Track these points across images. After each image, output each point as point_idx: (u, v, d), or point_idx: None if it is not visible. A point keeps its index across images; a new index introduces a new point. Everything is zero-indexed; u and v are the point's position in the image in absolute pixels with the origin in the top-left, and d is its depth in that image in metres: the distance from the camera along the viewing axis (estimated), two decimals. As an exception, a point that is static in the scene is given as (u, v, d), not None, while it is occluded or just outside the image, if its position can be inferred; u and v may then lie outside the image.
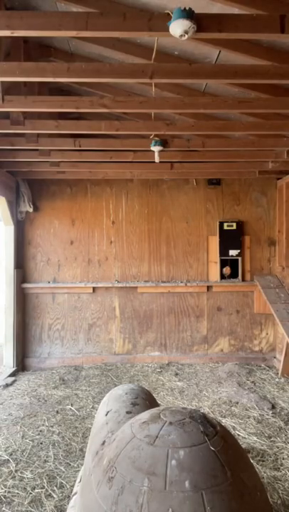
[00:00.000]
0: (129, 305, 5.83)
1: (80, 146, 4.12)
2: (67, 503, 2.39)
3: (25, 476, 3.01)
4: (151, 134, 3.92)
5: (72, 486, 2.78)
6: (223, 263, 5.78)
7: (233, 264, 5.80)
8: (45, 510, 2.64)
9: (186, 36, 2.10)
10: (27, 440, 3.53)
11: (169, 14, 2.09)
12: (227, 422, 3.80)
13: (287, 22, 2.10)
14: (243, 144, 4.33)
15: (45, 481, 2.94)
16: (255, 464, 3.07)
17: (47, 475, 3.02)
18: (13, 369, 5.42)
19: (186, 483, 1.39)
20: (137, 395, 2.35)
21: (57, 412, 4.11)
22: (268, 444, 3.43)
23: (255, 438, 3.52)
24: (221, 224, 5.76)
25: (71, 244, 5.83)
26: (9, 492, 2.82)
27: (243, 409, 4.12)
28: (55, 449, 3.41)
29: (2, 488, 2.85)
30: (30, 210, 5.58)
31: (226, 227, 5.75)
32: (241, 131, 3.89)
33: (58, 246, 5.83)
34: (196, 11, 2.05)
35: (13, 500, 2.72)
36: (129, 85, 3.91)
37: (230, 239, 5.74)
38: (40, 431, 3.72)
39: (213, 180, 5.80)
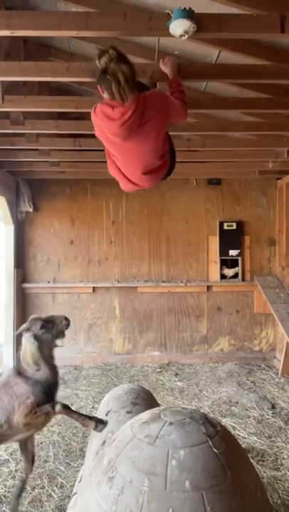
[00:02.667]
0: (129, 305, 5.83)
1: (80, 146, 4.11)
2: (68, 503, 2.39)
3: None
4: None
5: (73, 485, 2.78)
6: (223, 263, 5.79)
7: (233, 264, 5.80)
8: (45, 510, 2.64)
9: (186, 36, 2.09)
10: (27, 440, 3.53)
11: (169, 14, 2.09)
12: (227, 422, 3.80)
13: (287, 22, 2.09)
14: (243, 143, 4.33)
15: (45, 480, 2.94)
16: (255, 463, 3.07)
17: (47, 475, 3.03)
18: (13, 369, 5.41)
19: (187, 483, 1.39)
20: (137, 395, 2.35)
21: (57, 412, 4.11)
22: (268, 444, 3.43)
23: (255, 438, 3.52)
24: (221, 224, 5.76)
25: (71, 244, 5.83)
26: (9, 492, 2.82)
27: (243, 409, 4.13)
28: (55, 448, 3.41)
29: (2, 488, 2.85)
30: (30, 210, 5.57)
31: (226, 227, 5.75)
32: (241, 131, 3.88)
33: (58, 246, 5.82)
34: (196, 11, 2.04)
35: (13, 500, 2.72)
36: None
37: (230, 239, 5.74)
38: (40, 430, 3.71)
39: (213, 180, 5.79)
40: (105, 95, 2.13)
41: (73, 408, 2.34)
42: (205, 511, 1.36)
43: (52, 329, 2.31)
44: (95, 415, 2.29)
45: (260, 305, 5.74)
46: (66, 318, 2.37)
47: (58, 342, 2.38)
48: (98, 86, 2.13)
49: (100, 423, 2.14)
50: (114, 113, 2.12)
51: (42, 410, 2.20)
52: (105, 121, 2.18)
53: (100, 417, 2.21)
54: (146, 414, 1.71)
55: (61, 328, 2.35)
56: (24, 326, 2.31)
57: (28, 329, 2.27)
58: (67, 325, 2.37)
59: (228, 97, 3.43)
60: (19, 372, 2.28)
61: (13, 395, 2.21)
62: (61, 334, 2.37)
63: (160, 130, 2.27)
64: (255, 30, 2.15)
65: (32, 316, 2.37)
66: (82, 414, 2.25)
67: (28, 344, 2.20)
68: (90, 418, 2.20)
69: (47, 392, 2.25)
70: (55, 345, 2.37)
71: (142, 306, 5.83)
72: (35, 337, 2.23)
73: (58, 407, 2.21)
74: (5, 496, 2.77)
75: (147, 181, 2.47)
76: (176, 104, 2.33)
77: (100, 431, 2.10)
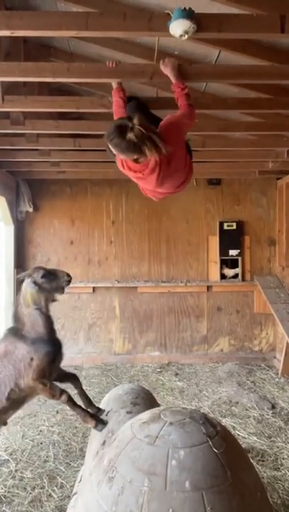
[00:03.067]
0: (129, 305, 5.83)
1: (80, 146, 4.11)
2: (68, 503, 2.39)
3: (25, 476, 3.01)
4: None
5: (73, 485, 2.78)
6: (223, 263, 5.79)
7: (233, 263, 5.80)
8: (45, 510, 2.64)
9: (186, 36, 2.09)
10: (27, 440, 3.53)
11: (169, 14, 2.09)
12: (227, 422, 3.80)
13: (287, 22, 2.09)
14: (243, 143, 4.32)
15: (45, 480, 2.94)
16: (255, 464, 3.07)
17: (47, 475, 3.03)
18: (13, 369, 5.41)
19: (187, 484, 1.39)
20: (137, 395, 2.36)
21: (57, 411, 4.11)
22: (268, 444, 3.43)
23: (255, 438, 3.52)
24: (221, 224, 5.76)
25: (71, 244, 5.83)
26: (9, 492, 2.82)
27: (243, 409, 4.12)
28: (55, 449, 3.41)
29: (2, 488, 2.85)
30: (30, 209, 5.57)
31: (226, 227, 5.75)
32: (241, 131, 3.88)
33: (58, 246, 5.82)
34: (196, 11, 2.04)
35: (13, 500, 2.73)
36: (129, 85, 3.90)
37: (230, 239, 5.73)
38: (40, 431, 3.72)
39: (213, 180, 5.79)
40: (133, 158, 2.19)
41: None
42: (205, 511, 1.36)
43: (53, 281, 2.34)
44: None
45: (260, 305, 5.73)
46: (68, 275, 2.39)
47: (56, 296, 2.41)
48: (128, 156, 2.18)
49: (100, 422, 2.14)
50: (144, 175, 2.24)
51: (51, 388, 2.22)
52: (141, 181, 2.34)
53: (101, 417, 2.21)
54: (146, 415, 1.71)
55: (61, 284, 2.38)
56: (27, 272, 2.35)
57: (29, 275, 2.30)
58: (68, 282, 2.40)
59: (228, 97, 3.44)
60: (16, 332, 2.29)
61: (16, 360, 2.23)
62: (61, 289, 2.41)
63: (183, 153, 2.40)
64: (255, 30, 2.14)
65: (36, 265, 2.40)
66: (84, 411, 2.25)
67: (29, 288, 2.25)
68: (92, 416, 2.20)
69: (50, 346, 2.27)
70: (53, 299, 2.40)
71: (141, 306, 5.82)
72: (35, 283, 2.27)
73: (64, 397, 2.22)
74: (5, 496, 2.77)
75: (182, 188, 2.62)
76: (185, 118, 2.40)
77: (100, 430, 2.10)
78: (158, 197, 2.70)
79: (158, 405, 2.38)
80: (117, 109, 2.56)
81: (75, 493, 2.19)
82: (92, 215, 5.83)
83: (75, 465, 3.15)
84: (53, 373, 2.33)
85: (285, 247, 5.53)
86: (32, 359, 2.21)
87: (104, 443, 1.96)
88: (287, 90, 3.25)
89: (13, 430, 3.72)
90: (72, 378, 2.49)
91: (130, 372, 5.36)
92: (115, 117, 2.50)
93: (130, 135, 2.06)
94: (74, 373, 2.55)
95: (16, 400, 2.31)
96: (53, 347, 2.31)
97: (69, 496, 2.69)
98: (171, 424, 1.57)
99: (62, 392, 2.24)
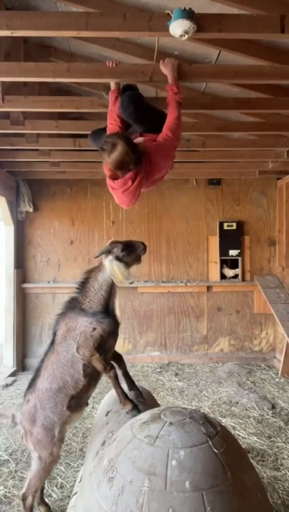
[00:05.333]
0: (129, 305, 5.83)
1: (80, 146, 4.12)
2: (68, 503, 2.39)
3: (25, 476, 3.00)
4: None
5: (72, 486, 2.78)
6: (223, 263, 5.79)
7: (233, 264, 5.80)
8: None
9: (186, 36, 2.10)
10: (27, 440, 3.53)
11: (169, 14, 2.09)
12: (227, 422, 3.80)
13: (287, 22, 2.09)
14: (243, 143, 4.33)
15: (45, 481, 2.94)
16: (255, 464, 3.07)
17: (47, 475, 3.02)
18: (13, 369, 5.41)
19: (187, 484, 1.39)
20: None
21: (57, 412, 4.10)
22: (268, 444, 3.43)
23: (255, 438, 3.52)
24: (221, 224, 5.76)
25: (71, 244, 5.83)
26: (9, 492, 2.81)
27: (243, 409, 4.12)
28: (55, 449, 3.40)
29: (2, 488, 2.85)
30: (30, 210, 5.57)
31: (225, 227, 5.75)
32: (241, 131, 3.89)
33: (58, 246, 5.82)
34: (196, 11, 2.05)
35: (13, 500, 2.72)
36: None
37: (230, 239, 5.73)
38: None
39: (213, 180, 5.79)
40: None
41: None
42: (205, 511, 1.36)
43: (131, 254, 2.34)
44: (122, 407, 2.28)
45: (260, 305, 5.73)
46: (144, 243, 2.39)
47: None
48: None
49: (135, 408, 2.16)
50: (118, 191, 2.41)
51: (104, 360, 2.29)
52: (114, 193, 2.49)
53: (136, 402, 2.24)
54: (146, 415, 1.71)
55: (139, 253, 2.39)
56: (105, 247, 2.34)
57: (109, 251, 2.31)
58: (144, 250, 2.39)
59: (228, 97, 3.44)
60: (76, 305, 2.31)
61: (77, 333, 2.25)
62: (138, 260, 2.41)
63: (170, 164, 2.59)
64: (255, 30, 2.15)
65: (112, 240, 2.40)
66: (124, 392, 2.27)
67: (116, 266, 2.27)
68: (130, 400, 2.22)
69: (111, 318, 2.30)
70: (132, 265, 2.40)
71: (141, 306, 5.82)
72: (118, 258, 2.29)
73: (112, 372, 2.30)
74: (5, 496, 2.77)
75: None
76: (171, 140, 2.43)
77: (133, 416, 2.10)
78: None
79: (158, 405, 2.38)
80: (110, 113, 2.58)
81: (75, 493, 2.19)
82: (92, 215, 5.83)
83: (75, 465, 3.15)
84: (111, 348, 2.38)
85: (285, 247, 5.53)
86: (94, 329, 2.24)
87: (104, 443, 1.96)
88: (287, 90, 3.25)
89: (13, 430, 3.71)
90: (118, 358, 2.55)
91: (130, 373, 5.29)
92: (108, 119, 2.56)
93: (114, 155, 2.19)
94: (120, 354, 2.59)
95: (93, 375, 2.34)
96: (113, 319, 2.33)
97: (69, 496, 2.69)
98: (171, 424, 1.57)
99: (112, 367, 2.31)
